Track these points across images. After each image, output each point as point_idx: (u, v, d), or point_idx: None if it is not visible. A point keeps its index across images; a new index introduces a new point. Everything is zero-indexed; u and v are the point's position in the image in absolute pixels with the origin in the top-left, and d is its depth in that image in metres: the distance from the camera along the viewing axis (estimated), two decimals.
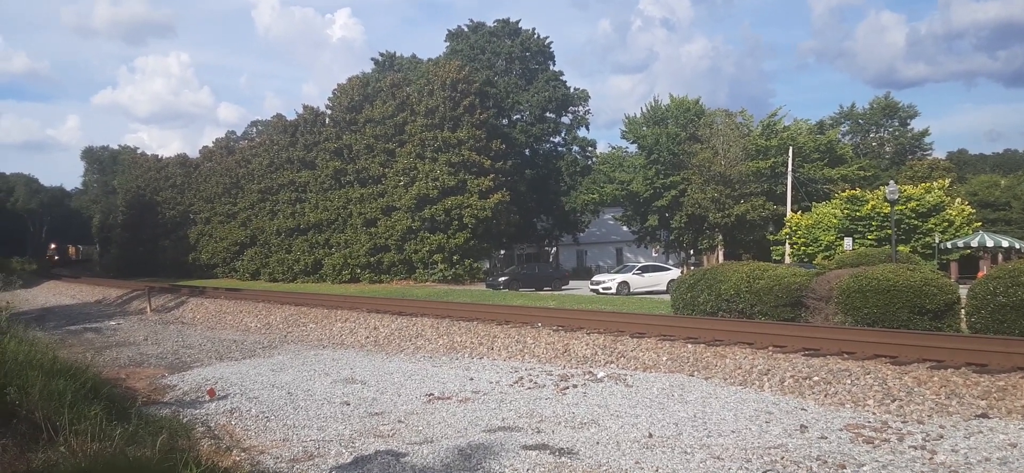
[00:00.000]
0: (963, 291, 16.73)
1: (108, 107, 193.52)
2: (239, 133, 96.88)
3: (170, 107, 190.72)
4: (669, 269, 40.75)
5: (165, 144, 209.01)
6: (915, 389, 10.82)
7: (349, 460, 8.52)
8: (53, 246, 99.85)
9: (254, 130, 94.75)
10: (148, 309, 33.53)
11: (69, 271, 75.16)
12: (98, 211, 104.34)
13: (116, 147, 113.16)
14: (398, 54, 67.00)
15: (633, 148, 57.75)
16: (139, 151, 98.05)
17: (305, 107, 60.03)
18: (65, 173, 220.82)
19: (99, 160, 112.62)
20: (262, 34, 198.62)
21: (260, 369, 16.00)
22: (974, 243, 37.03)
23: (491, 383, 13.46)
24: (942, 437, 8.88)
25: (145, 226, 76.71)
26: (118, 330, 26.18)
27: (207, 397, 12.74)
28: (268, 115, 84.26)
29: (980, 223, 41.14)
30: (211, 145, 76.73)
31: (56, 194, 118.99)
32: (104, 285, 50.13)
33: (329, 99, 58.34)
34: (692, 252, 55.65)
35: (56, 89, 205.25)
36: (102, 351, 19.38)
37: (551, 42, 60.32)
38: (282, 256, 58.38)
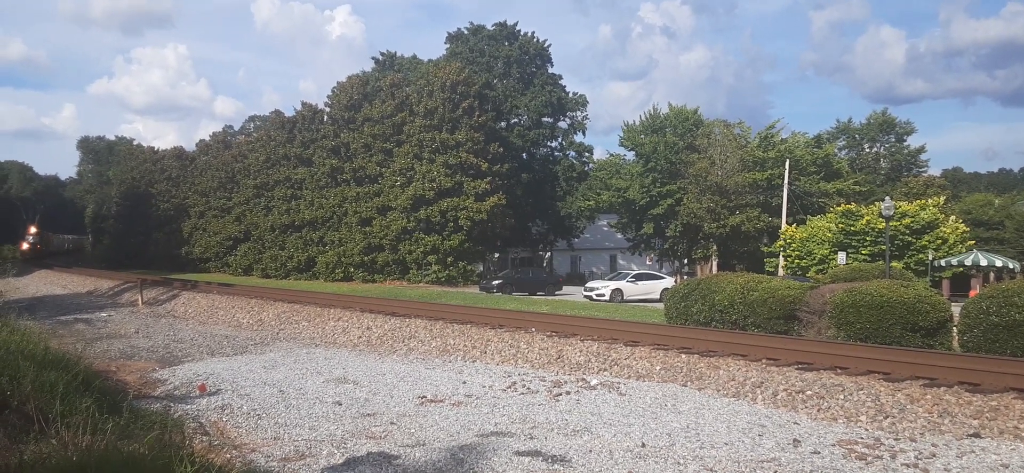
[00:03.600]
0: (956, 309, 16.78)
1: (104, 97, 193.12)
2: (236, 128, 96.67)
3: (166, 99, 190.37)
4: (663, 278, 40.79)
5: (161, 136, 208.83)
6: (908, 406, 10.84)
7: (341, 461, 8.49)
8: (33, 231, 79.97)
9: (251, 125, 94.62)
10: (140, 302, 33.40)
11: (59, 261, 74.55)
12: (92, 201, 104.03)
13: (112, 138, 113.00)
14: (398, 54, 67.02)
15: (630, 155, 57.88)
16: (135, 142, 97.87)
17: (303, 104, 60.01)
18: (60, 162, 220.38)
19: (94, 150, 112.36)
20: (261, 29, 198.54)
21: (252, 366, 15.93)
22: (967, 261, 37.17)
23: (484, 387, 13.43)
24: (935, 456, 8.89)
25: (139, 218, 76.46)
26: (109, 322, 26.07)
27: (198, 392, 12.69)
28: (266, 110, 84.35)
29: (974, 242, 41.32)
30: (208, 139, 76.70)
31: (50, 183, 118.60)
32: (96, 276, 49.93)
33: (328, 97, 58.37)
34: (686, 261, 55.74)
35: (52, 78, 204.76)
36: (93, 343, 19.29)
37: (550, 45, 60.41)
38: (276, 252, 58.24)
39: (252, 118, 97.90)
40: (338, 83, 57.29)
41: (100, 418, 7.88)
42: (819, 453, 9.01)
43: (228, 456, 8.44)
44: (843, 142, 73.02)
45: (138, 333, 22.75)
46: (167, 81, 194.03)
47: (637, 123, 57.61)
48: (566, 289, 44.77)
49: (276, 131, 61.50)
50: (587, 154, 63.03)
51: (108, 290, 40.37)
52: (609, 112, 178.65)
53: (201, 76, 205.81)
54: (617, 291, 36.85)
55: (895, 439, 9.77)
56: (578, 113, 61.23)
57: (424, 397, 12.48)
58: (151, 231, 75.06)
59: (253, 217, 61.82)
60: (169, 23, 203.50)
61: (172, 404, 11.56)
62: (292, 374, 14.85)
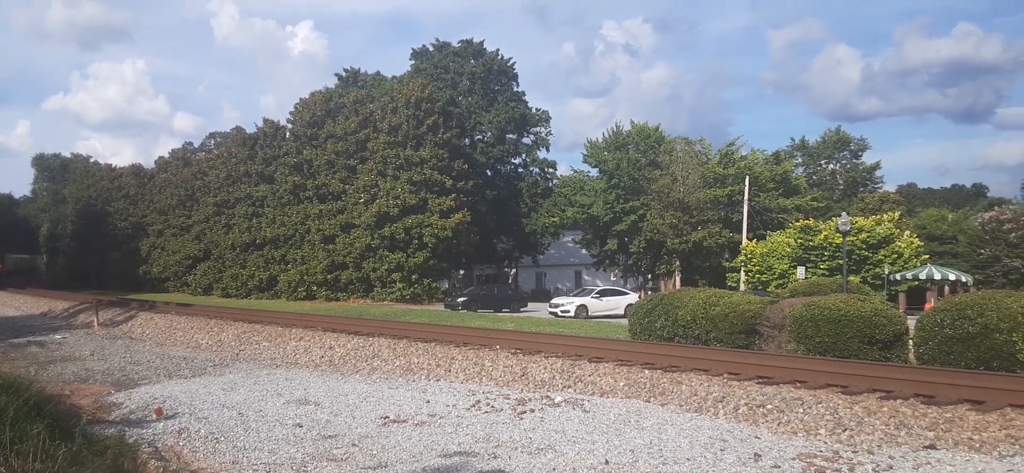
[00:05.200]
0: (911, 322, 17.14)
1: (59, 113, 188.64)
2: (196, 144, 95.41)
3: (124, 115, 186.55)
4: (627, 294, 41.04)
5: (118, 153, 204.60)
6: (865, 419, 11.02)
7: None
8: None
9: (212, 142, 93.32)
10: (95, 323, 32.61)
11: (12, 282, 72.39)
12: (47, 220, 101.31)
13: (68, 155, 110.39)
14: (362, 71, 66.81)
15: (594, 172, 58.33)
16: (92, 160, 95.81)
17: (265, 120, 59.43)
18: (14, 180, 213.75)
19: (50, 168, 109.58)
20: (221, 44, 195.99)
21: (210, 388, 15.63)
22: (922, 275, 37.99)
23: (448, 406, 13.34)
24: (892, 468, 9.04)
25: (95, 237, 74.74)
26: (63, 344, 25.38)
27: (154, 416, 12.39)
28: (226, 127, 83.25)
29: (928, 256, 42.28)
30: (167, 156, 75.47)
31: (3, 201, 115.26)
32: (50, 297, 48.64)
33: (290, 113, 57.89)
34: (650, 277, 56.19)
35: (6, 93, 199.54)
36: (46, 366, 18.75)
37: (514, 63, 60.78)
38: (236, 271, 57.37)
39: (213, 135, 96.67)
40: (301, 99, 56.98)
41: (51, 444, 7.66)
42: (780, 467, 9.10)
43: None
44: (800, 159, 74.50)
45: (93, 355, 22.17)
46: (125, 97, 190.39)
47: (600, 140, 58.15)
48: (531, 306, 44.80)
49: (237, 148, 60.74)
50: (551, 170, 63.43)
51: (63, 311, 39.36)
52: (573, 129, 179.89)
53: (160, 92, 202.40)
54: (582, 307, 36.97)
55: (853, 452, 9.92)
56: (542, 129, 61.64)
57: (387, 417, 12.35)
58: (108, 250, 73.44)
59: (213, 235, 60.87)
60: (128, 38, 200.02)
61: (127, 428, 11.28)
62: (252, 396, 14.59)
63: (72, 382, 16.51)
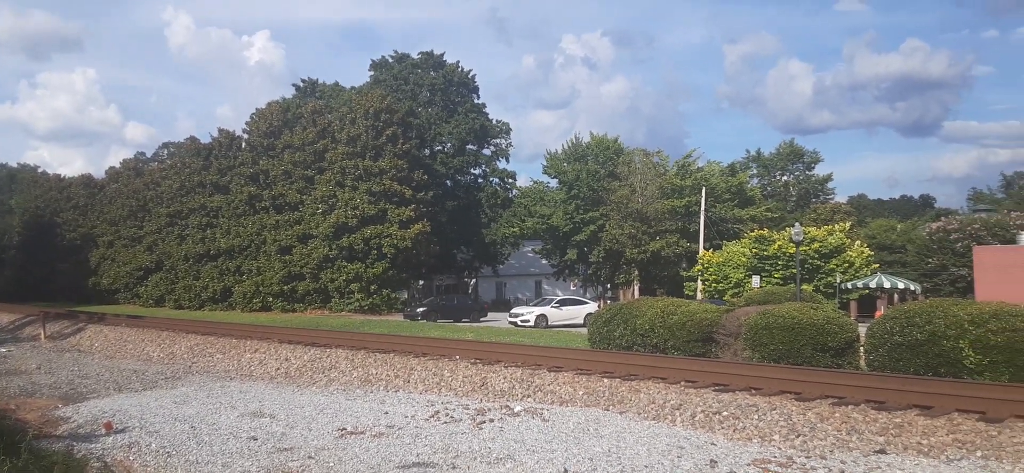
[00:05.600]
0: (862, 329, 17.51)
1: (6, 123, 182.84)
2: (149, 154, 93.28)
3: (73, 124, 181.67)
4: (587, 303, 41.26)
5: (67, 163, 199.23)
6: (818, 425, 11.22)
7: None
8: None
9: (165, 152, 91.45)
10: (42, 336, 31.66)
11: None
12: None
13: (15, 165, 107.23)
14: (320, 81, 66.19)
15: (554, 183, 58.62)
16: (40, 170, 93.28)
17: (220, 130, 58.35)
18: None
19: None
20: (176, 53, 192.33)
21: (162, 401, 15.27)
22: (872, 284, 38.95)
23: (406, 417, 13.24)
24: (843, 472, 9.21)
25: (42, 248, 72.51)
26: (8, 358, 24.59)
27: (104, 431, 12.07)
28: (180, 136, 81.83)
29: (878, 265, 43.42)
30: (118, 166, 73.71)
31: None
32: None
33: (246, 123, 56.92)
34: (609, 286, 56.61)
35: None
36: None
37: (474, 75, 60.82)
38: (189, 282, 56.17)
39: (166, 145, 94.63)
40: (257, 109, 56.16)
41: None
42: None
43: None
44: (755, 171, 75.86)
45: (40, 369, 21.52)
46: (75, 106, 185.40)
47: (560, 151, 58.54)
48: (491, 315, 44.75)
49: (191, 158, 59.57)
50: (511, 181, 63.52)
51: (8, 324, 38.13)
52: (533, 140, 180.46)
53: (111, 101, 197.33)
54: (542, 317, 37.06)
55: (806, 457, 10.09)
56: (502, 140, 61.74)
57: (344, 429, 12.21)
58: (56, 262, 71.32)
59: (166, 246, 59.53)
60: (79, 47, 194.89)
61: (75, 443, 10.97)
62: (205, 409, 14.30)
63: (18, 396, 16.00)
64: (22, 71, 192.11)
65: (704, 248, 49.61)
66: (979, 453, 9.76)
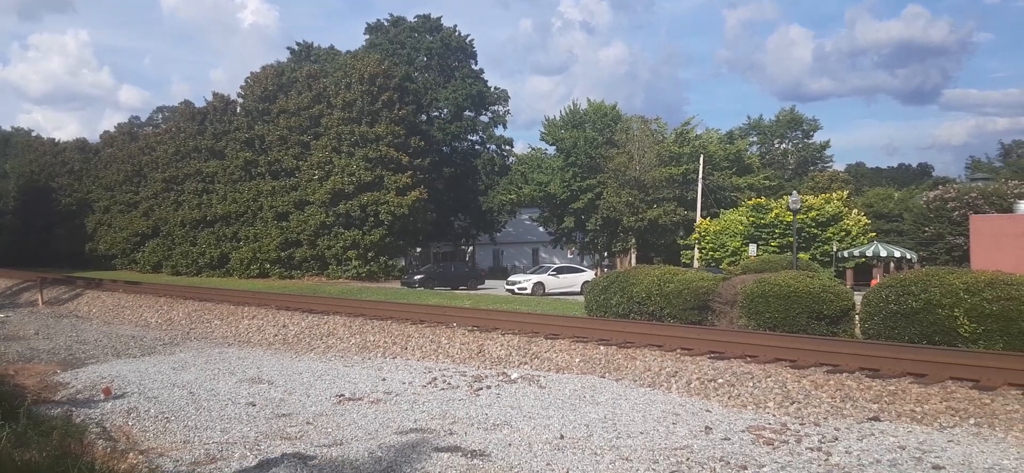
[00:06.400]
0: (858, 298, 17.59)
1: None
2: (143, 118, 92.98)
3: (67, 87, 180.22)
4: (584, 271, 41.35)
5: (61, 127, 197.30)
6: (812, 392, 11.31)
7: (254, 463, 8.25)
8: None
9: (159, 116, 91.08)
10: (40, 301, 31.71)
11: None
12: None
13: (8, 129, 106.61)
14: (315, 45, 65.67)
15: (551, 150, 58.44)
16: (34, 134, 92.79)
17: (215, 95, 57.99)
18: None
19: None
20: (168, 15, 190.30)
21: (160, 367, 15.33)
22: (869, 252, 39.03)
23: (404, 384, 13.31)
24: (837, 439, 9.30)
25: (38, 213, 72.43)
26: (6, 323, 24.64)
27: (102, 396, 12.12)
28: (174, 100, 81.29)
29: (875, 234, 43.45)
30: (112, 130, 73.39)
31: None
32: None
33: (241, 87, 56.52)
34: (606, 254, 56.71)
35: None
36: None
37: (472, 40, 60.35)
38: (186, 249, 56.20)
39: (160, 109, 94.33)
40: (252, 73, 55.73)
41: None
42: (729, 439, 9.30)
43: (134, 461, 8.09)
44: (754, 138, 75.69)
45: (38, 334, 21.57)
46: (67, 69, 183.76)
47: (558, 118, 58.27)
48: (488, 283, 44.86)
49: (186, 122, 59.25)
50: (508, 148, 63.30)
51: (5, 290, 38.16)
52: (531, 106, 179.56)
53: (104, 64, 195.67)
54: (539, 285, 37.16)
55: (800, 424, 10.17)
56: (499, 107, 61.44)
57: (342, 395, 12.27)
58: (52, 227, 71.29)
59: (162, 212, 59.46)
60: (70, 8, 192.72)
61: (74, 409, 11.02)
62: (203, 375, 14.36)
63: (16, 362, 16.04)
64: (13, 32, 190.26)
65: (701, 216, 49.63)
66: (972, 420, 9.85)
